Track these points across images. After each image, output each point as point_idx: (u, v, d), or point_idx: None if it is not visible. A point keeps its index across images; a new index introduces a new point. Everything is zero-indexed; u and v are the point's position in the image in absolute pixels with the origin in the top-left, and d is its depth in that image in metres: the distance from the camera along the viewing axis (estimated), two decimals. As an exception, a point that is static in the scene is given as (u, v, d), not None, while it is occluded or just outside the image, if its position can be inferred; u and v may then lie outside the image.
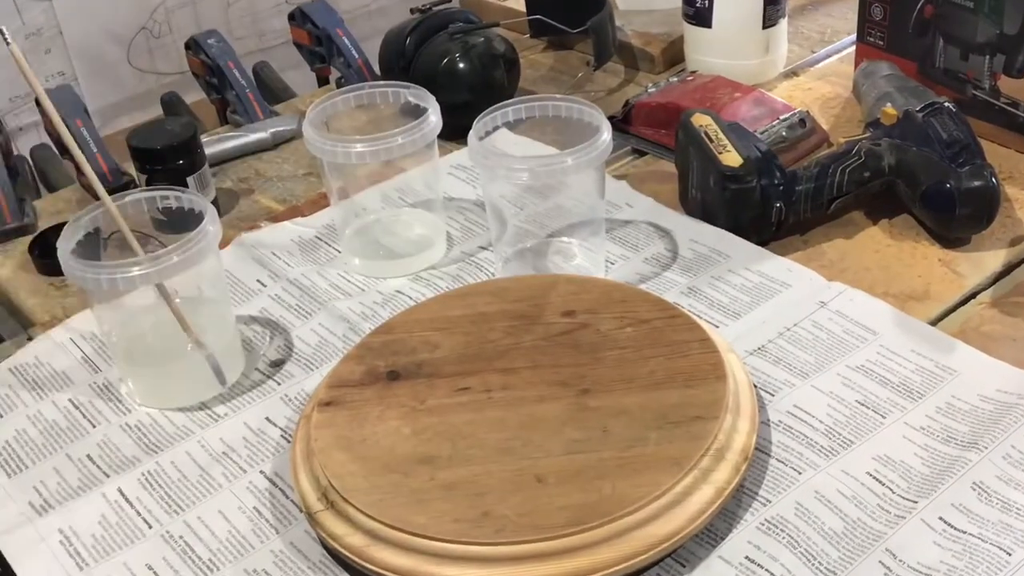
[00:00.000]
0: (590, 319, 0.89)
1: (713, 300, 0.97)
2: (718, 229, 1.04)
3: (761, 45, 1.33)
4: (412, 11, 1.33)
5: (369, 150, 0.98)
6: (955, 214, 1.00)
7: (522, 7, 1.45)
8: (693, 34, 1.35)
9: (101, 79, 2.35)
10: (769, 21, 1.31)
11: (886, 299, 0.95)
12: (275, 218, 1.16)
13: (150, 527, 0.81)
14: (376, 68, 1.38)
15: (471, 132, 0.96)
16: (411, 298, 1.01)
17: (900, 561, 0.72)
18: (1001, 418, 0.82)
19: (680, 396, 0.80)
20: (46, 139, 1.43)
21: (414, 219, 1.12)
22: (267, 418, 0.90)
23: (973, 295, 0.97)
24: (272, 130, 1.32)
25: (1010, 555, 0.72)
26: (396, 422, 0.81)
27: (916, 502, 0.76)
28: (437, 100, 1.03)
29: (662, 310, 0.89)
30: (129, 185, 1.20)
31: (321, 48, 1.50)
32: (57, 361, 0.98)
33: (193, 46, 1.51)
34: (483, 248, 1.08)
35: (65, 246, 0.87)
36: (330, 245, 1.10)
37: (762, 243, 1.03)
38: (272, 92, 1.73)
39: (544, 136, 1.16)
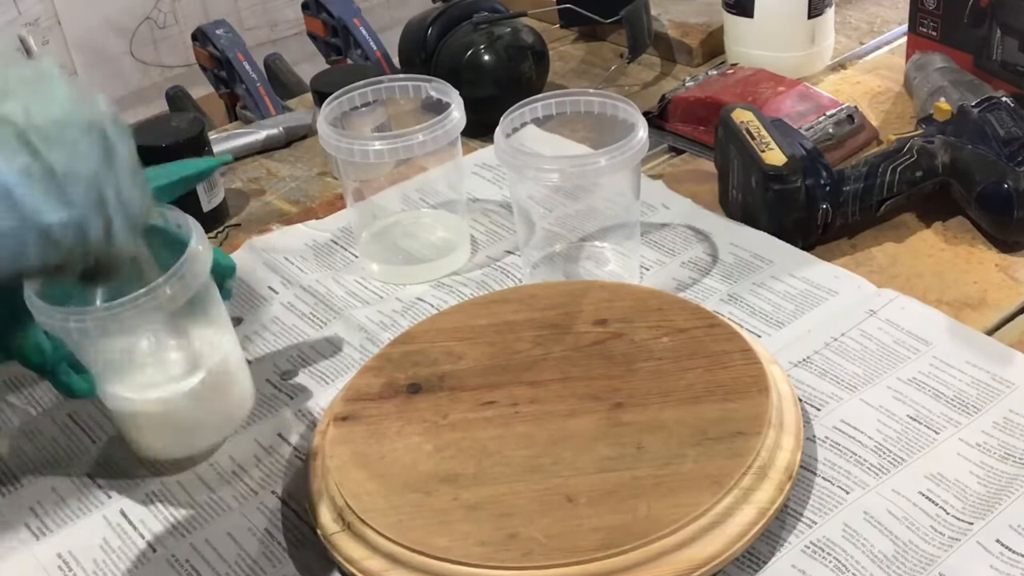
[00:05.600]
0: (624, 328, 0.89)
1: (755, 308, 0.97)
2: (760, 232, 1.04)
3: (806, 36, 1.33)
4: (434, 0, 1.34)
5: (388, 148, 0.98)
6: (1013, 216, 0.99)
7: (551, -5, 1.46)
8: (734, 24, 1.35)
9: (102, 72, 2.36)
10: (815, 10, 1.31)
11: (940, 307, 0.95)
12: (288, 220, 1.17)
13: (155, 551, 0.82)
14: (396, 60, 1.39)
15: (497, 129, 0.97)
16: (433, 306, 1.02)
17: (955, 588, 0.72)
18: (1064, 435, 0.82)
19: (720, 410, 0.80)
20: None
21: (436, 222, 1.12)
22: (279, 434, 0.90)
23: (1033, 303, 0.97)
24: (284, 126, 1.33)
25: (1074, 582, 0.72)
26: (417, 438, 0.82)
27: (971, 523, 0.76)
28: (461, 94, 1.03)
29: (701, 319, 0.89)
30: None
31: (337, 39, 1.51)
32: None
33: (200, 37, 1.52)
34: (510, 252, 1.08)
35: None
36: (346, 249, 1.11)
37: (807, 247, 1.03)
38: (284, 86, 1.74)
39: (575, 133, 1.16)
